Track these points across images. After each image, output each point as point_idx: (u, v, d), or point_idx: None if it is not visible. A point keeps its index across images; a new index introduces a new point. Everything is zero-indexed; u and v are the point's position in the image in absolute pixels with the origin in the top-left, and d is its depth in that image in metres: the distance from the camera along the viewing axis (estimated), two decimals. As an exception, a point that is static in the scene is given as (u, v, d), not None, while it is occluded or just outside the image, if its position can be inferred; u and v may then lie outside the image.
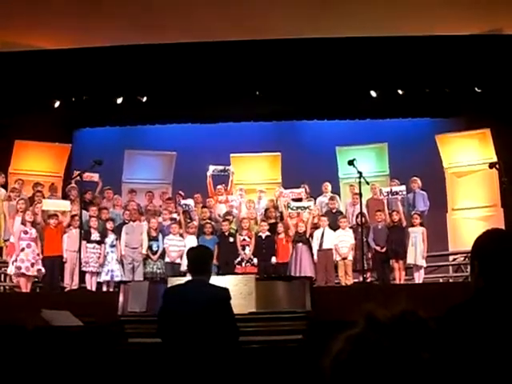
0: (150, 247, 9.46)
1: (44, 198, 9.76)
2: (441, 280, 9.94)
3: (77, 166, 10.25)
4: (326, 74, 10.13)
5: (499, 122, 10.42)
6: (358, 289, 8.28)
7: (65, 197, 10.25)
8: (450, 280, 9.91)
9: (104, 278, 9.31)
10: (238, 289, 6.11)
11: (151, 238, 9.51)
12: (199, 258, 4.38)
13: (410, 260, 9.30)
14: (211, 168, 10.44)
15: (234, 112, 11.53)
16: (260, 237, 9.46)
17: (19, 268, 8.87)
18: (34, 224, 9.16)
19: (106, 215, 9.73)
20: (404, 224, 9.50)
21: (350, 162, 8.21)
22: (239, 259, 9.35)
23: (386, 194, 9.62)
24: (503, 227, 8.90)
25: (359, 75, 10.10)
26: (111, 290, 9.07)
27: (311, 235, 9.51)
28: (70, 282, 9.13)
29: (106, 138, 12.03)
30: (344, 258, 9.38)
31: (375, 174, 11.00)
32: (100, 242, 9.35)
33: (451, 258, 10.43)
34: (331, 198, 10.24)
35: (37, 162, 11.19)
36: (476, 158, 10.76)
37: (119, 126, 12.19)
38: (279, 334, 5.88)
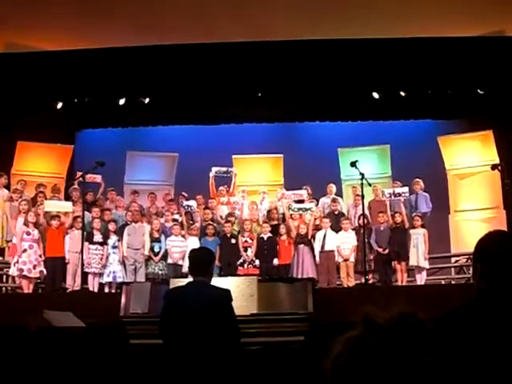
0: (151, 248, 9.47)
1: (46, 199, 9.77)
2: (443, 282, 9.92)
3: (79, 167, 10.27)
4: (328, 76, 10.13)
5: (501, 123, 10.41)
6: (360, 290, 8.27)
7: (67, 198, 10.26)
8: (452, 282, 9.89)
9: (106, 279, 9.33)
10: (240, 290, 6.10)
11: (153, 239, 9.52)
12: (201, 260, 4.38)
13: (412, 262, 9.29)
14: (214, 169, 10.45)
15: (236, 113, 11.55)
16: (262, 238, 9.46)
17: (21, 270, 8.89)
18: (36, 225, 9.17)
19: (108, 216, 9.74)
20: (406, 226, 9.50)
21: (353, 164, 8.21)
22: (241, 261, 9.36)
23: (388, 195, 9.62)
24: (506, 229, 8.90)
25: (361, 77, 10.10)
26: (113, 291, 9.09)
27: (313, 237, 9.51)
28: (72, 283, 9.14)
29: (108, 140, 12.04)
30: (346, 260, 9.38)
31: (377, 175, 11.01)
32: (102, 243, 9.37)
33: (453, 259, 10.41)
34: (333, 200, 10.23)
35: (39, 163, 11.20)
36: (478, 159, 10.74)
37: (121, 127, 12.19)
38: (281, 336, 5.87)
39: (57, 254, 9.20)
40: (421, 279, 9.32)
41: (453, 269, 10.31)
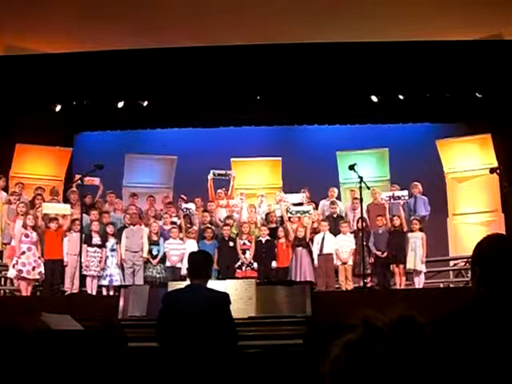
0: (150, 251, 9.45)
1: (44, 201, 9.76)
2: (441, 285, 9.92)
3: (77, 170, 10.27)
4: (326, 79, 10.14)
5: (500, 127, 10.43)
6: (359, 294, 8.27)
7: (65, 200, 10.25)
8: (451, 285, 9.89)
9: (103, 282, 9.31)
10: (238, 293, 6.10)
11: (152, 242, 9.51)
12: (198, 263, 4.38)
13: (409, 265, 9.29)
14: (212, 172, 10.45)
15: (234, 116, 11.56)
16: (260, 241, 9.46)
17: (20, 271, 8.87)
18: (34, 227, 9.16)
19: (106, 219, 9.73)
20: (405, 229, 9.49)
21: (351, 167, 8.21)
22: (239, 263, 9.34)
23: (388, 198, 9.62)
24: (504, 232, 8.91)
25: (360, 80, 10.11)
26: (112, 293, 9.07)
27: (311, 240, 9.50)
28: (71, 285, 9.13)
29: (106, 142, 12.04)
30: (344, 263, 9.37)
31: (376, 178, 11.00)
32: (101, 246, 9.35)
33: (452, 263, 10.41)
34: (332, 203, 10.22)
35: (38, 165, 11.20)
36: (477, 163, 10.75)
37: (120, 130, 12.20)
38: (279, 339, 5.87)
39: (55, 256, 9.19)
40: (419, 282, 9.32)
41: (451, 272, 10.30)
